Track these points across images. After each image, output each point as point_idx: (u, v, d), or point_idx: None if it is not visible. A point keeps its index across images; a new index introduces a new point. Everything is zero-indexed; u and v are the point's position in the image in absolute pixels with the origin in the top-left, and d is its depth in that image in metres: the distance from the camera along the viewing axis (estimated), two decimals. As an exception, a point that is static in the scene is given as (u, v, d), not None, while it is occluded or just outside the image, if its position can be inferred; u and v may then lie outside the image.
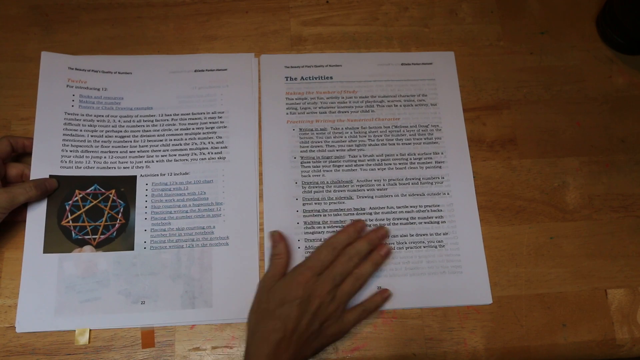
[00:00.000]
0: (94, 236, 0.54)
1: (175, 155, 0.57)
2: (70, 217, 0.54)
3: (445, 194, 0.57)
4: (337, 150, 0.58)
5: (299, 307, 0.47)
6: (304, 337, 0.48)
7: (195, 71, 0.60)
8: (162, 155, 0.57)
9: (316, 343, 0.49)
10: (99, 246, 0.53)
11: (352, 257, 0.51)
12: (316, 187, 0.57)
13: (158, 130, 0.58)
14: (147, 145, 0.57)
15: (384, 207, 0.56)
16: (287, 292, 0.48)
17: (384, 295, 0.52)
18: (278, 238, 0.53)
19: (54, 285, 0.52)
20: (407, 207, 0.57)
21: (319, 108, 0.60)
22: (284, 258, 0.52)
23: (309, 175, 0.57)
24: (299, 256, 0.55)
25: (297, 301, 0.48)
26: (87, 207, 0.54)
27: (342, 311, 0.50)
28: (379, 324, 0.53)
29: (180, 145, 0.57)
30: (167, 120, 0.58)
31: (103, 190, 0.55)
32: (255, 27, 0.63)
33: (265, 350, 0.46)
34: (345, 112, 0.60)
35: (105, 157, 0.56)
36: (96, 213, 0.54)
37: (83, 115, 0.57)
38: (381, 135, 0.59)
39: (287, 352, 0.46)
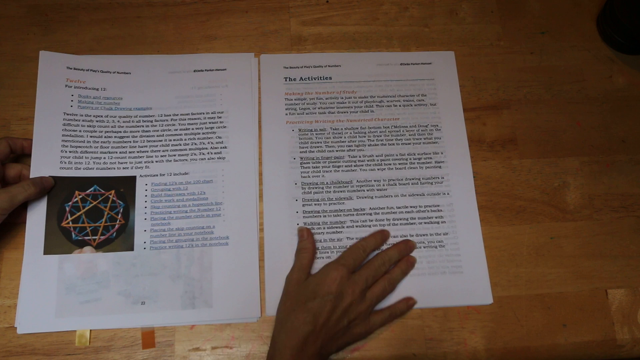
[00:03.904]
0: (93, 237, 0.53)
1: (174, 155, 0.57)
2: (70, 218, 0.54)
3: (445, 194, 0.57)
4: (337, 151, 0.58)
5: (332, 302, 0.48)
6: (331, 333, 0.48)
7: (194, 71, 0.60)
8: (161, 156, 0.57)
9: (341, 340, 0.50)
10: (99, 247, 0.53)
11: (385, 263, 0.53)
12: (316, 187, 0.57)
13: (157, 131, 0.58)
14: (146, 146, 0.57)
15: (384, 208, 0.56)
16: (320, 286, 0.49)
17: (408, 302, 0.53)
18: (306, 234, 0.54)
19: (54, 287, 0.52)
20: (407, 207, 0.57)
21: (318, 108, 0.60)
22: (310, 252, 0.53)
23: (309, 176, 0.57)
24: (298, 257, 0.55)
25: (331, 296, 0.48)
26: (86, 208, 0.54)
27: (370, 313, 0.51)
28: (379, 324, 0.53)
29: (180, 145, 0.57)
30: (167, 120, 0.58)
31: (103, 191, 0.55)
32: (255, 27, 0.63)
33: (293, 341, 0.46)
34: (344, 112, 0.60)
35: (104, 158, 0.56)
36: (96, 214, 0.54)
37: (82, 115, 0.57)
38: (381, 136, 0.59)
39: (315, 346, 0.47)
